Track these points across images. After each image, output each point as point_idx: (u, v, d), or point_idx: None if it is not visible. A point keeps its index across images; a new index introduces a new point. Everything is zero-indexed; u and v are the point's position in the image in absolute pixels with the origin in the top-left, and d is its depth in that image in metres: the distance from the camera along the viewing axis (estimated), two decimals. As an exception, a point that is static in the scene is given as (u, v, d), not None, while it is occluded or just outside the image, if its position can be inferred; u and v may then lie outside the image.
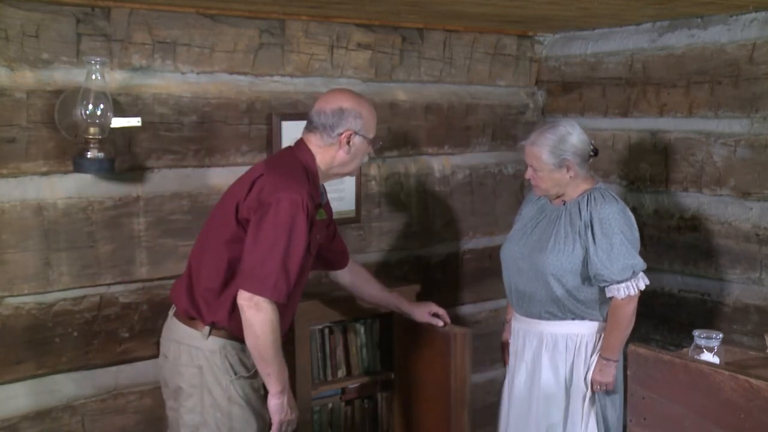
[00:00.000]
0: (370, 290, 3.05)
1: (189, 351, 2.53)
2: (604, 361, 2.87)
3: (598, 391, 2.90)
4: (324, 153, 2.57)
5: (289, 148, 2.65)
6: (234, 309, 2.45)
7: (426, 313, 3.09)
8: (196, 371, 2.51)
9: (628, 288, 2.79)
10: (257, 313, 2.38)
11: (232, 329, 2.50)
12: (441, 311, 3.10)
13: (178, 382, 2.55)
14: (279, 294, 2.38)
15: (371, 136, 2.61)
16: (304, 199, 2.40)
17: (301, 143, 2.61)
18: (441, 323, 3.08)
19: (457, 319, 3.98)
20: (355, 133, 2.55)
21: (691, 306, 3.55)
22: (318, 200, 2.57)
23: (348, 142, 2.56)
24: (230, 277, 2.49)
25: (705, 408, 1.87)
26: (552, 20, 3.56)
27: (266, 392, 2.52)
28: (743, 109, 3.29)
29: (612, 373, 2.85)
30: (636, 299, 2.82)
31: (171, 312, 2.64)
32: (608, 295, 2.84)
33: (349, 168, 2.64)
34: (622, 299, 2.80)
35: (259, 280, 2.37)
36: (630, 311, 2.82)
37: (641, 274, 2.82)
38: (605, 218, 2.80)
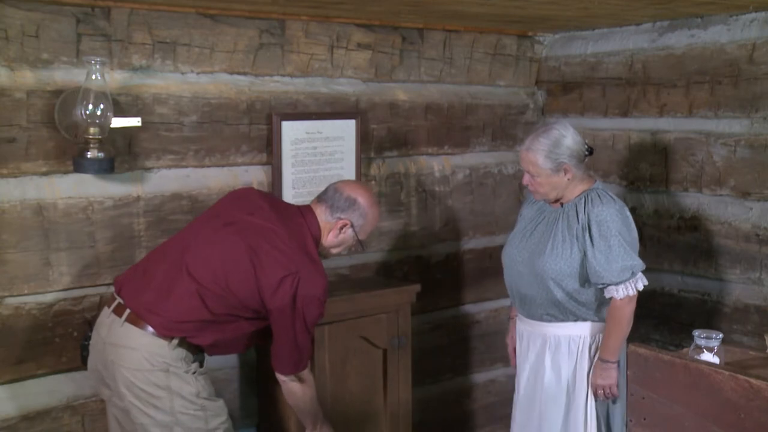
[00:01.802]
0: None
1: (150, 357, 2.49)
2: (604, 364, 2.84)
3: (602, 397, 2.87)
4: (323, 228, 2.71)
5: (301, 214, 2.70)
6: (217, 340, 2.59)
7: None
8: (162, 374, 2.50)
9: (627, 288, 2.78)
10: (300, 384, 2.68)
11: (205, 348, 2.62)
12: None
13: (141, 385, 2.50)
14: (309, 359, 2.68)
15: (362, 237, 2.77)
16: (326, 295, 2.61)
17: (312, 215, 2.70)
18: None
19: (457, 319, 3.99)
20: (351, 225, 2.71)
21: (691, 306, 3.55)
22: None
23: (341, 229, 2.70)
24: (229, 320, 2.58)
25: (705, 408, 1.87)
26: (552, 20, 3.56)
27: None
28: (743, 109, 3.29)
29: (613, 376, 2.83)
30: (635, 300, 2.82)
31: (120, 317, 2.52)
32: (607, 296, 2.84)
33: (330, 251, 2.77)
34: (620, 300, 2.79)
35: (295, 363, 2.63)
36: (629, 312, 2.82)
37: (640, 274, 2.82)
38: (603, 220, 2.78)
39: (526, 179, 2.91)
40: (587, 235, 2.79)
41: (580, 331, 2.91)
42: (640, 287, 2.82)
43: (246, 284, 2.53)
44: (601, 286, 2.82)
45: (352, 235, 2.73)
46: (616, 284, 2.78)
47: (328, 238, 2.71)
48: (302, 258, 2.57)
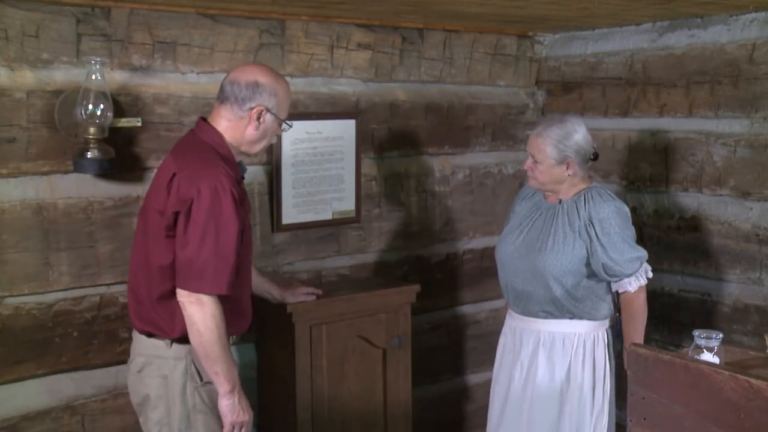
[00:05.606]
0: None
1: (154, 362, 2.47)
2: None
3: None
4: (233, 129, 2.46)
5: (191, 132, 2.53)
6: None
7: (299, 293, 3.06)
8: (161, 381, 2.46)
9: (638, 279, 2.86)
10: (199, 309, 2.32)
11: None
12: (311, 289, 3.11)
13: (144, 393, 2.51)
14: (219, 286, 2.34)
15: (283, 116, 2.50)
16: (224, 184, 2.33)
17: (203, 124, 2.49)
18: (313, 297, 3.10)
19: (457, 319, 3.99)
20: (268, 110, 2.44)
21: (691, 306, 3.55)
22: (239, 176, 2.49)
23: (258, 118, 2.44)
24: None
25: (705, 408, 1.87)
26: (552, 20, 3.56)
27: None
28: (743, 109, 3.30)
29: None
30: (645, 288, 2.89)
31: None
32: (620, 290, 2.88)
33: (256, 147, 2.52)
34: (633, 291, 2.86)
35: (196, 276, 2.32)
36: (643, 300, 2.89)
37: (646, 264, 2.89)
38: (604, 218, 2.83)
39: (528, 164, 2.94)
40: (592, 232, 2.83)
41: (575, 329, 2.94)
42: (650, 275, 2.89)
43: (159, 230, 2.38)
44: (613, 281, 2.87)
45: (272, 120, 2.46)
46: (628, 276, 2.84)
47: (248, 134, 2.45)
48: (184, 162, 2.37)
